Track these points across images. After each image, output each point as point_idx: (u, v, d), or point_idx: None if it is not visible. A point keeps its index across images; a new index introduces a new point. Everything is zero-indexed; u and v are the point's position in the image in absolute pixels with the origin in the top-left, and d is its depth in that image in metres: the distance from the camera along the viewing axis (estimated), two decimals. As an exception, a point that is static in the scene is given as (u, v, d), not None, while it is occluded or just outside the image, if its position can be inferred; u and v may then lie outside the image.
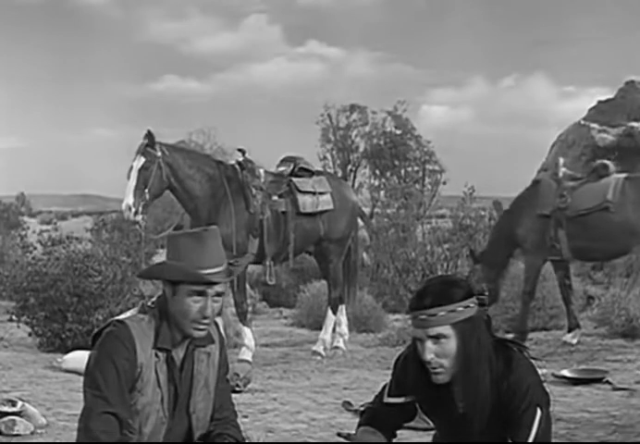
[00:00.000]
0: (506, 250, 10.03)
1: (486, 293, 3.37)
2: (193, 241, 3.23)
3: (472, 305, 3.24)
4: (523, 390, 3.23)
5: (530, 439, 3.20)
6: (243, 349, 9.13)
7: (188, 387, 3.31)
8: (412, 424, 5.45)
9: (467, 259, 11.39)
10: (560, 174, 9.73)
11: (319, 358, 9.52)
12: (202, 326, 3.22)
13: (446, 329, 3.20)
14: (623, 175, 9.73)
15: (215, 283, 3.20)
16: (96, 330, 3.31)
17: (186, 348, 3.31)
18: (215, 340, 3.41)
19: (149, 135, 8.73)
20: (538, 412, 3.22)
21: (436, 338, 3.22)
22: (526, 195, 9.99)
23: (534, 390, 3.26)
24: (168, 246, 3.28)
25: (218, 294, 3.24)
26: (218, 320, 8.88)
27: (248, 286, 10.04)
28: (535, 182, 10.03)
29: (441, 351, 3.23)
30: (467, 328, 3.21)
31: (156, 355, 3.22)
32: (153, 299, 3.33)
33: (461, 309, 3.21)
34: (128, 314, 3.30)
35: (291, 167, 9.77)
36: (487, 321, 3.35)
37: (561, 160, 10.20)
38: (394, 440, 3.61)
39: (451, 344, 3.22)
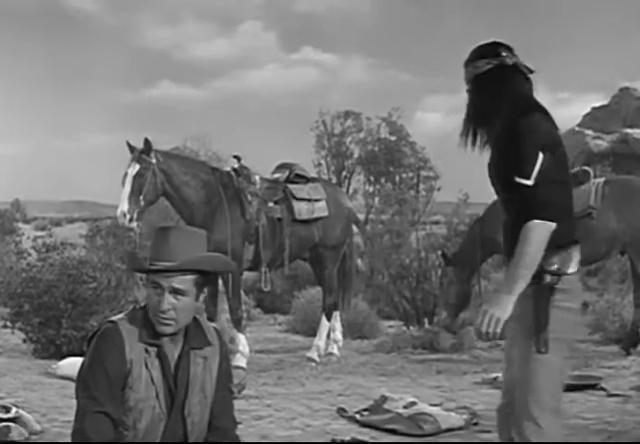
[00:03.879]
0: (481, 255, 10.06)
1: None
2: (160, 235, 3.33)
3: None
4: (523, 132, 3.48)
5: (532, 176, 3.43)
6: (238, 355, 9.13)
7: (184, 388, 3.32)
8: (405, 429, 5.48)
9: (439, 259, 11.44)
10: None
11: (313, 364, 9.53)
12: (162, 321, 3.25)
13: None
14: (602, 179, 9.79)
15: (166, 275, 3.24)
16: (91, 333, 3.36)
17: (181, 347, 3.33)
18: (212, 344, 3.42)
19: (146, 142, 8.74)
20: (540, 154, 3.44)
21: None
22: None
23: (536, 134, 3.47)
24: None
25: (175, 290, 3.25)
26: (213, 324, 8.90)
27: (242, 292, 10.05)
28: None
29: None
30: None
31: (146, 351, 3.24)
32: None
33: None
34: (121, 315, 3.36)
35: (287, 174, 9.79)
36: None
37: None
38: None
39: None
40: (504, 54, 3.65)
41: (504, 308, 3.35)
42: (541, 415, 3.40)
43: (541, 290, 3.43)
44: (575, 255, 3.58)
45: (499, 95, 3.64)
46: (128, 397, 3.21)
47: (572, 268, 3.53)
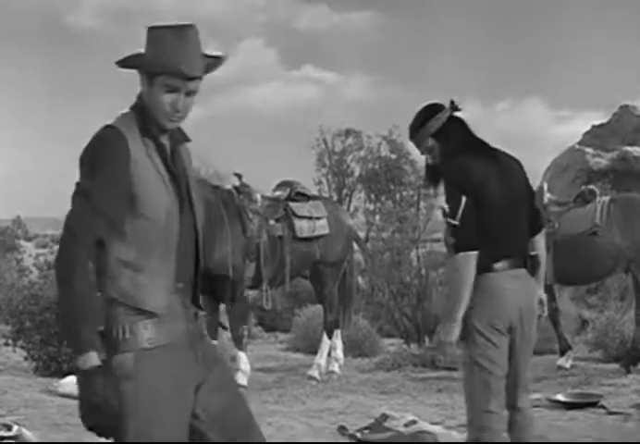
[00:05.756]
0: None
1: None
2: (175, 35, 3.27)
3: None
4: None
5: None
6: (239, 373, 9.13)
7: (184, 179, 3.37)
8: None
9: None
10: (545, 199, 9.78)
11: (314, 382, 9.52)
12: (174, 119, 3.29)
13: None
14: (608, 197, 9.86)
15: (193, 79, 3.26)
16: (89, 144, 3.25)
17: (170, 140, 3.38)
18: (189, 139, 3.48)
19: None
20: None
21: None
22: None
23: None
24: (148, 38, 3.30)
25: (192, 92, 3.29)
26: (214, 342, 8.94)
27: (244, 310, 10.06)
28: None
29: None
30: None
31: (144, 143, 3.27)
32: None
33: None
34: (114, 120, 3.31)
35: (288, 192, 9.84)
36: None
37: (545, 185, 10.25)
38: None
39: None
40: (447, 107, 4.47)
41: (449, 332, 4.19)
42: None
43: None
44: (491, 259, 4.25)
45: (458, 140, 4.40)
46: (138, 191, 3.19)
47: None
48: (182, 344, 3.25)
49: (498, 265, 4.22)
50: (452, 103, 4.46)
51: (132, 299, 3.15)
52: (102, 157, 3.18)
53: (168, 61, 3.22)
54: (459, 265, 4.15)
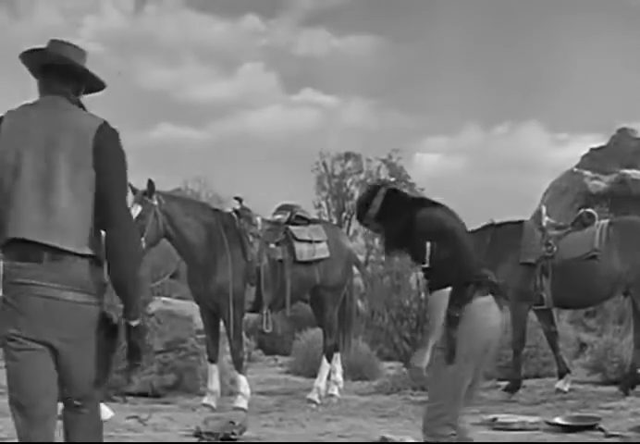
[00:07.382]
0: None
1: None
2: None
3: None
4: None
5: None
6: (239, 397, 9.16)
7: None
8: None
9: None
10: (544, 223, 9.79)
11: (314, 406, 9.54)
12: None
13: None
14: (607, 221, 9.84)
15: None
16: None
17: None
18: None
19: (149, 184, 8.84)
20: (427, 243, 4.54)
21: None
22: (506, 240, 9.83)
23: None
24: (83, 59, 4.11)
25: None
26: (214, 367, 9.01)
27: (244, 334, 10.10)
28: (518, 224, 9.94)
29: None
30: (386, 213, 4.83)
31: None
32: None
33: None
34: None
35: (288, 215, 9.88)
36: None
37: (544, 209, 10.23)
38: None
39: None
40: (385, 183, 4.99)
41: (421, 358, 4.50)
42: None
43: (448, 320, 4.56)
44: (469, 291, 4.61)
45: (404, 211, 4.75)
46: None
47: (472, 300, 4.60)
48: None
49: (473, 295, 4.62)
50: (386, 183, 5.03)
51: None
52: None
53: None
54: (433, 302, 4.58)
